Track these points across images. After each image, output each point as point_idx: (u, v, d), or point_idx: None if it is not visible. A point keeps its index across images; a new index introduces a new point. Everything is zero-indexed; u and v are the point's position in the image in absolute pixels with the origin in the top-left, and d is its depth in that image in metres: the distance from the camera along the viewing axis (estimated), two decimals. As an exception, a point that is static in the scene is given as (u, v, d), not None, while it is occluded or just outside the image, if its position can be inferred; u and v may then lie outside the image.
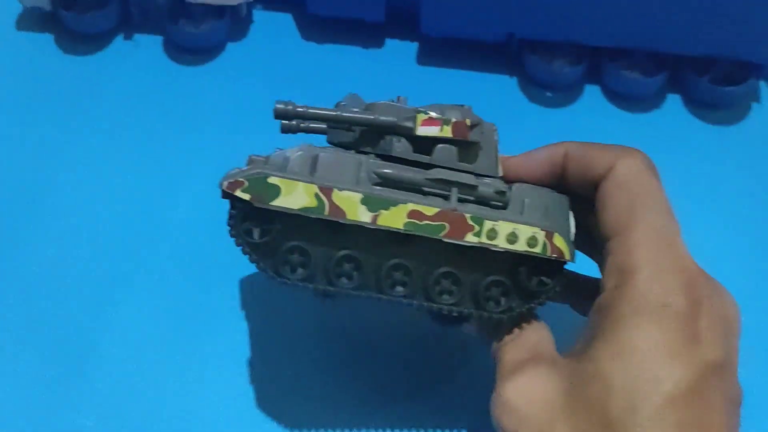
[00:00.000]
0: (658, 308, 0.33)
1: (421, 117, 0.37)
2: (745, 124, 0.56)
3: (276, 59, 0.59)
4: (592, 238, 0.39)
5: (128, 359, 0.45)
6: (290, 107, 0.37)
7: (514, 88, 0.57)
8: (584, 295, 0.40)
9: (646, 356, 0.32)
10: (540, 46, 0.56)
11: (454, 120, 0.37)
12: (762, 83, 0.57)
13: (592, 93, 0.57)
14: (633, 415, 0.31)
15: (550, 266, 0.38)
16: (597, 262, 0.40)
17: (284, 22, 0.60)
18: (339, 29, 0.59)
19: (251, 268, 0.45)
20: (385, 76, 0.58)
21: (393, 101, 0.38)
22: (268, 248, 0.36)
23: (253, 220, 0.35)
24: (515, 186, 0.38)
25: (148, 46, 0.58)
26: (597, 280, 0.40)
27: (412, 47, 0.59)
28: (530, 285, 0.38)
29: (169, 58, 0.58)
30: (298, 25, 0.60)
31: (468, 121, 0.37)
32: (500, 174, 0.39)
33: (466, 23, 0.56)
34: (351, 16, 0.58)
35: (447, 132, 0.37)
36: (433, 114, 0.37)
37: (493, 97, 0.57)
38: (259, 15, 0.61)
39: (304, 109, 0.37)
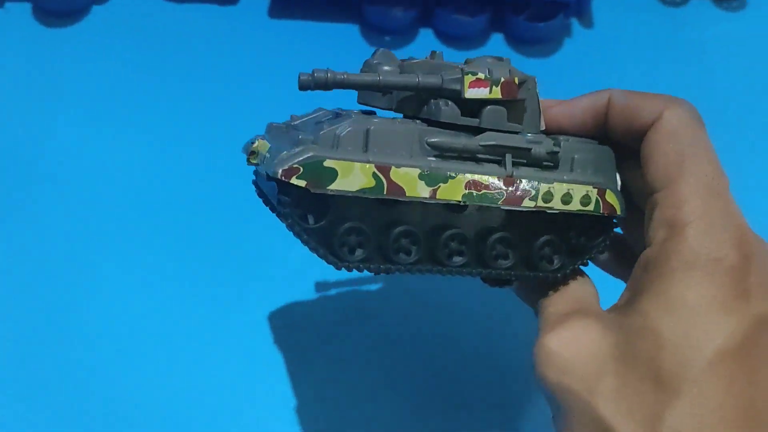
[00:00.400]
0: (710, 262, 0.32)
1: (468, 78, 0.35)
2: (559, 56, 0.63)
3: (138, 19, 0.63)
4: (626, 189, 0.39)
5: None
6: (329, 75, 0.34)
7: (356, 34, 0.64)
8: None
9: (697, 310, 0.32)
10: (377, -5, 0.62)
11: (503, 80, 0.35)
12: (574, 20, 0.64)
13: (425, 35, 0.64)
14: (685, 368, 0.31)
15: (601, 221, 0.38)
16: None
17: (146, -15, 0.65)
18: (195, -12, 0.64)
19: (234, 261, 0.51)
20: (240, 31, 0.63)
21: (428, 58, 0.37)
22: (323, 232, 0.35)
23: (307, 205, 0.34)
24: (563, 141, 0.37)
25: (18, 12, 0.63)
26: (619, 235, 0.41)
27: (264, 2, 0.65)
28: (581, 241, 0.38)
29: (39, 23, 0.62)
30: (158, -13, 0.65)
31: (516, 80, 0.36)
32: (543, 127, 0.38)
33: (310, -23, 0.62)
34: (205, -24, 0.63)
35: (496, 93, 0.35)
36: (481, 75, 0.35)
37: (337, 44, 0.63)
38: (122, -19, 0.66)
39: (344, 77, 0.34)
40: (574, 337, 0.34)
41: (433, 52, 0.37)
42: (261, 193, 0.40)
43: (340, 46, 0.63)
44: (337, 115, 0.36)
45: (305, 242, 0.34)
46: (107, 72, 0.61)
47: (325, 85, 0.34)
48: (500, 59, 0.37)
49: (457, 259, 0.36)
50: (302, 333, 0.51)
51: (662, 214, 0.34)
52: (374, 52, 0.37)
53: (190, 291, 0.52)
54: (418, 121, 0.35)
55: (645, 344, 0.32)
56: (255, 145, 0.37)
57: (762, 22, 0.65)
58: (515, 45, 0.63)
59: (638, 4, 0.66)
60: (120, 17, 0.63)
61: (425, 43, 0.63)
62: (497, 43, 0.63)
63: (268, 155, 0.35)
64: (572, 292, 0.38)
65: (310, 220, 0.34)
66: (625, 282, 0.39)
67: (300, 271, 0.52)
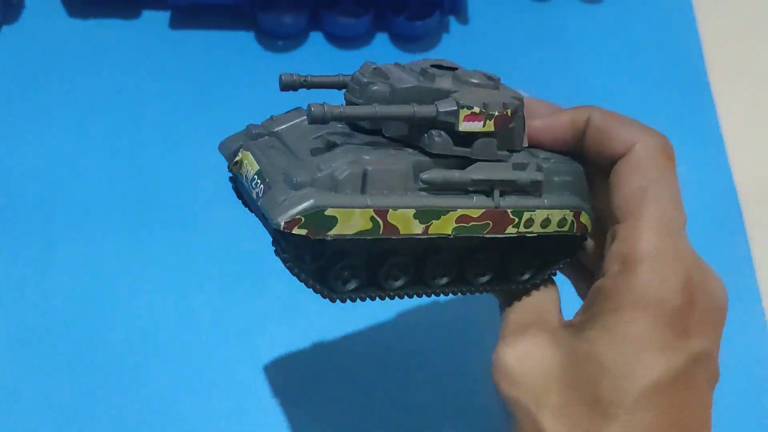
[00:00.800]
0: (655, 303, 0.34)
1: (463, 113, 0.35)
2: (438, 50, 0.69)
3: (47, 37, 0.68)
4: (593, 207, 0.41)
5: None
6: (326, 109, 0.33)
7: (252, 41, 0.69)
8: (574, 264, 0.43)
9: (639, 347, 0.34)
10: (268, 4, 0.67)
11: (497, 114, 0.35)
12: (451, 18, 0.71)
13: (315, 38, 0.69)
14: (621, 397, 0.34)
15: (572, 237, 0.40)
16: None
17: (53, 4, 0.69)
18: (100, 5, 0.69)
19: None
20: (144, 43, 0.68)
21: (420, 75, 0.37)
22: (319, 269, 0.36)
23: (305, 247, 0.35)
24: (544, 164, 0.38)
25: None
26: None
27: (165, 15, 0.69)
28: (551, 255, 0.41)
29: (-50, 46, 0.67)
30: (64, 6, 0.69)
31: (509, 112, 0.36)
32: (526, 144, 0.39)
33: (205, -10, 0.67)
34: (108, -7, 0.68)
35: (489, 127, 0.36)
36: (476, 109, 0.35)
37: (234, 50, 0.68)
38: (30, 1, 0.69)
39: (341, 111, 0.34)
40: (527, 353, 0.37)
41: (424, 70, 0.37)
42: (240, 196, 0.40)
43: (238, 52, 0.68)
44: (332, 143, 0.36)
45: (303, 281, 0.35)
46: (20, 89, 0.65)
47: (323, 120, 0.33)
48: (491, 78, 0.37)
49: (443, 280, 0.39)
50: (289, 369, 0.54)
51: (618, 248, 0.36)
52: (363, 68, 0.37)
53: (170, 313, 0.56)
54: (409, 150, 0.36)
55: (588, 370, 0.35)
56: (239, 157, 0.37)
57: (618, 13, 0.72)
58: (398, 43, 0.69)
59: (509, 0, 0.72)
60: (29, 36, 0.68)
61: (316, 45, 0.69)
62: (382, 41, 0.69)
63: (259, 182, 0.35)
64: (534, 302, 0.41)
65: (308, 259, 0.35)
66: (573, 283, 0.45)
67: (282, 301, 0.56)
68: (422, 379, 0.54)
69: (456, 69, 0.38)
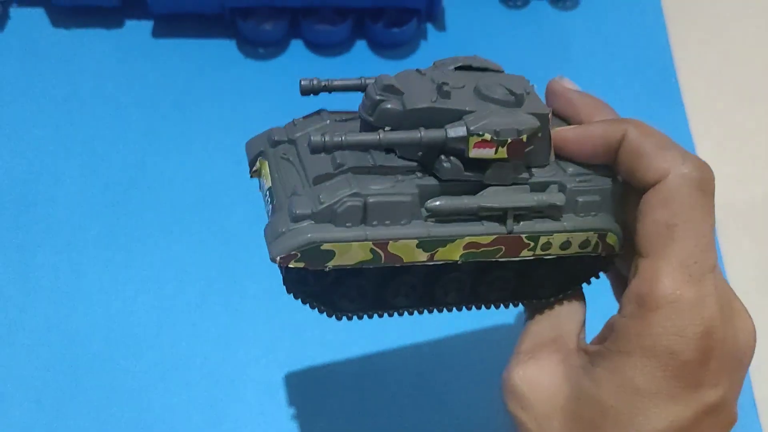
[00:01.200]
0: (666, 355, 0.33)
1: (473, 140, 0.33)
2: (416, 57, 0.70)
3: (32, 47, 0.69)
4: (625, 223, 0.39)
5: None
6: (327, 139, 0.33)
7: (233, 49, 0.70)
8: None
9: (645, 396, 0.33)
10: (248, 12, 0.68)
11: (510, 141, 0.34)
12: (428, 25, 0.72)
13: (296, 45, 0.70)
14: None
15: (598, 257, 0.38)
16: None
17: (37, 15, 0.70)
18: (83, 14, 0.70)
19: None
20: (127, 52, 0.69)
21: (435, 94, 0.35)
22: (324, 291, 0.36)
23: (306, 271, 0.34)
24: (568, 186, 0.37)
25: None
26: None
27: (148, 24, 0.71)
28: (578, 273, 0.39)
29: (-64, 57, 0.68)
30: (48, 16, 0.70)
31: (524, 138, 0.34)
32: (552, 158, 0.37)
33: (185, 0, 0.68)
34: (91, 4, 0.69)
35: (502, 153, 0.34)
36: (487, 136, 0.33)
37: (216, 58, 0.69)
38: (15, 12, 0.71)
39: (341, 140, 0.33)
40: (537, 378, 0.37)
41: (441, 86, 0.35)
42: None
43: (220, 59, 0.69)
44: (339, 165, 0.35)
45: (306, 303, 0.36)
46: (3, 97, 0.66)
47: (324, 150, 0.33)
48: (513, 93, 0.35)
49: (453, 296, 0.38)
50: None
51: (636, 287, 0.34)
52: (378, 82, 0.36)
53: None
54: (419, 174, 0.35)
55: (591, 411, 0.35)
56: (257, 166, 0.37)
57: (592, 19, 0.74)
58: (376, 50, 0.70)
59: (484, 8, 0.74)
60: (14, 45, 0.69)
61: (296, 52, 0.70)
62: (361, 48, 0.71)
63: (269, 200, 0.35)
64: (556, 318, 0.40)
65: (310, 281, 0.35)
66: (610, 282, 0.43)
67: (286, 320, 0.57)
68: (424, 387, 0.55)
69: (486, 70, 0.38)
